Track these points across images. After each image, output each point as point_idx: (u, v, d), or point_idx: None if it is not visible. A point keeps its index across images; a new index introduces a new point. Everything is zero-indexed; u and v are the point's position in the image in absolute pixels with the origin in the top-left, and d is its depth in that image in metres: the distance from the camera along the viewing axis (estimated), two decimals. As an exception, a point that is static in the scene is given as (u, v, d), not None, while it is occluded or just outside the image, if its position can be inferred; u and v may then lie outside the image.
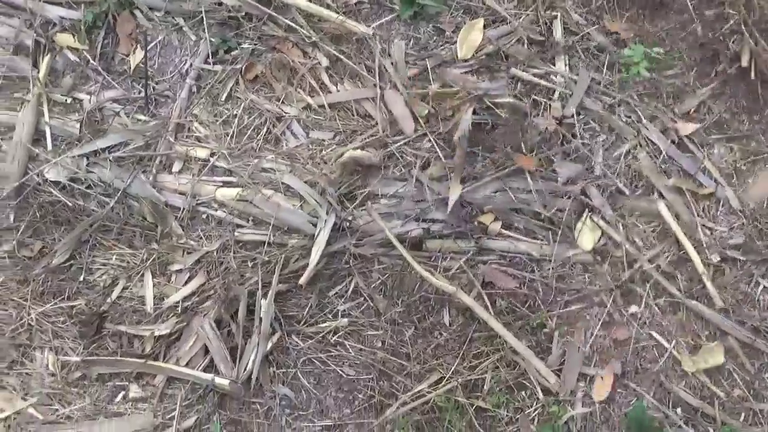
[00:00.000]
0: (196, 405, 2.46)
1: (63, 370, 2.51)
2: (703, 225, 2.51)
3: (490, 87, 2.53)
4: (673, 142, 2.57)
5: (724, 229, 2.52)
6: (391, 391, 2.46)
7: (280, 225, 2.53)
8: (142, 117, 2.67)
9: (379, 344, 2.50)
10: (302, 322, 2.52)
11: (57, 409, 2.48)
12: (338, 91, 2.66)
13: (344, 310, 2.53)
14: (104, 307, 2.54)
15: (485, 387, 2.43)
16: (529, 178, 2.53)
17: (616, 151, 2.58)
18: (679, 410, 2.41)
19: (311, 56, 2.68)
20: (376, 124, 2.60)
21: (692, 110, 2.61)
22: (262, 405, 2.47)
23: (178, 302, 2.52)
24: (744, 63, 2.54)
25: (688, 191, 2.52)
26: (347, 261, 2.52)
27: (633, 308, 2.48)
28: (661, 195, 2.53)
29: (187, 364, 2.47)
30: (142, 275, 2.56)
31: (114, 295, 2.55)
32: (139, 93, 2.68)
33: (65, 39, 2.70)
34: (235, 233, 2.55)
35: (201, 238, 2.57)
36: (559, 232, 2.50)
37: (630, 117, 2.61)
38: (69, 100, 2.68)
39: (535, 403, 2.42)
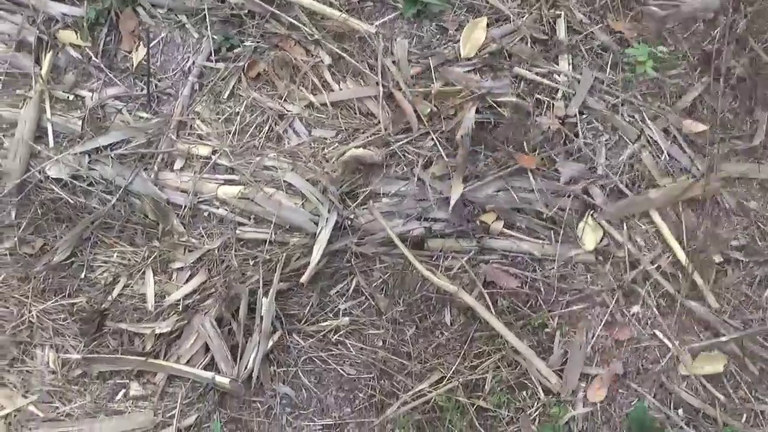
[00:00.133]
0: (196, 403, 2.46)
1: (64, 367, 2.51)
2: (705, 226, 2.50)
3: (492, 86, 2.53)
4: (676, 141, 2.57)
5: (727, 231, 2.51)
6: (392, 391, 2.46)
7: (281, 223, 2.53)
8: (144, 114, 2.66)
9: (380, 343, 2.50)
10: (303, 321, 2.52)
11: (57, 407, 2.48)
12: (341, 89, 2.65)
13: (345, 309, 2.52)
14: (105, 304, 2.54)
15: (486, 387, 2.43)
16: (531, 178, 2.52)
17: (618, 150, 2.58)
18: (680, 411, 2.41)
19: (314, 54, 2.67)
20: (379, 122, 2.59)
21: (695, 110, 2.60)
22: (263, 404, 2.47)
23: (179, 300, 2.52)
24: (746, 62, 2.54)
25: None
26: (348, 260, 2.52)
27: (635, 308, 2.48)
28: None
29: (187, 363, 2.47)
30: (143, 273, 2.56)
31: (115, 293, 2.55)
32: (142, 90, 2.68)
33: (68, 36, 2.69)
34: (237, 231, 2.54)
35: (202, 236, 2.57)
36: (561, 231, 2.50)
37: (633, 117, 2.60)
38: (71, 97, 2.67)
39: (536, 403, 2.42)
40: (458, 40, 2.66)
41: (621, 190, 2.53)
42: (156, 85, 2.68)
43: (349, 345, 2.50)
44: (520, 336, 2.43)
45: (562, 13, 2.67)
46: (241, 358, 2.43)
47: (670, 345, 2.44)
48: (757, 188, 2.57)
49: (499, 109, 2.52)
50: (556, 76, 2.62)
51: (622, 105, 2.61)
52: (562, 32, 2.66)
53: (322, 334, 2.50)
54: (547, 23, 2.67)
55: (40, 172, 2.57)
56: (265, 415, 2.46)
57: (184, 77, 2.68)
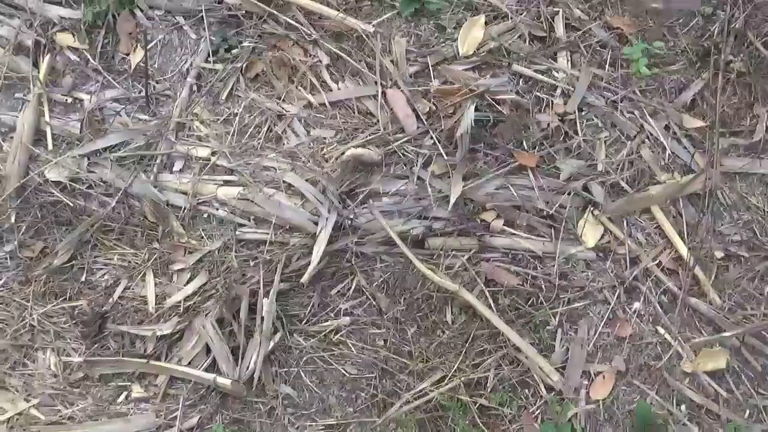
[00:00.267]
0: (198, 405, 2.46)
1: (65, 370, 2.50)
2: (707, 222, 2.50)
3: (491, 84, 2.53)
4: (675, 137, 2.56)
5: (728, 226, 2.51)
6: (394, 390, 2.45)
7: (281, 224, 2.53)
8: (142, 116, 2.66)
9: (382, 343, 2.50)
10: (304, 321, 2.51)
11: (59, 410, 2.47)
12: (339, 89, 2.65)
13: (346, 309, 2.52)
14: (106, 307, 2.53)
15: (488, 385, 2.42)
16: (531, 175, 2.52)
17: (618, 147, 2.57)
18: (683, 407, 2.40)
19: (312, 54, 2.67)
20: (378, 121, 2.59)
21: (695, 105, 2.60)
22: (265, 404, 2.46)
23: (180, 302, 2.51)
24: (746, 57, 2.53)
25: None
26: (349, 259, 2.52)
27: (636, 305, 2.47)
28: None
29: (189, 364, 2.47)
30: (144, 275, 2.55)
31: (116, 296, 2.54)
32: (140, 92, 2.67)
33: (65, 38, 2.69)
34: (237, 232, 2.54)
35: (202, 237, 2.56)
36: (562, 229, 2.50)
37: (633, 113, 2.59)
38: (69, 100, 2.67)
39: (538, 401, 2.41)
40: (456, 39, 2.66)
41: (621, 186, 2.53)
42: (154, 87, 2.68)
43: (350, 345, 2.50)
44: (522, 334, 2.43)
45: (561, 10, 2.67)
46: (242, 359, 2.42)
47: (672, 341, 2.43)
48: (757, 183, 2.57)
49: (498, 106, 2.51)
50: (555, 73, 2.62)
51: (621, 101, 2.60)
52: (560, 29, 2.66)
53: (323, 334, 2.50)
54: (545, 20, 2.67)
55: (39, 176, 2.56)
56: (267, 416, 2.46)
57: (183, 79, 2.68)
